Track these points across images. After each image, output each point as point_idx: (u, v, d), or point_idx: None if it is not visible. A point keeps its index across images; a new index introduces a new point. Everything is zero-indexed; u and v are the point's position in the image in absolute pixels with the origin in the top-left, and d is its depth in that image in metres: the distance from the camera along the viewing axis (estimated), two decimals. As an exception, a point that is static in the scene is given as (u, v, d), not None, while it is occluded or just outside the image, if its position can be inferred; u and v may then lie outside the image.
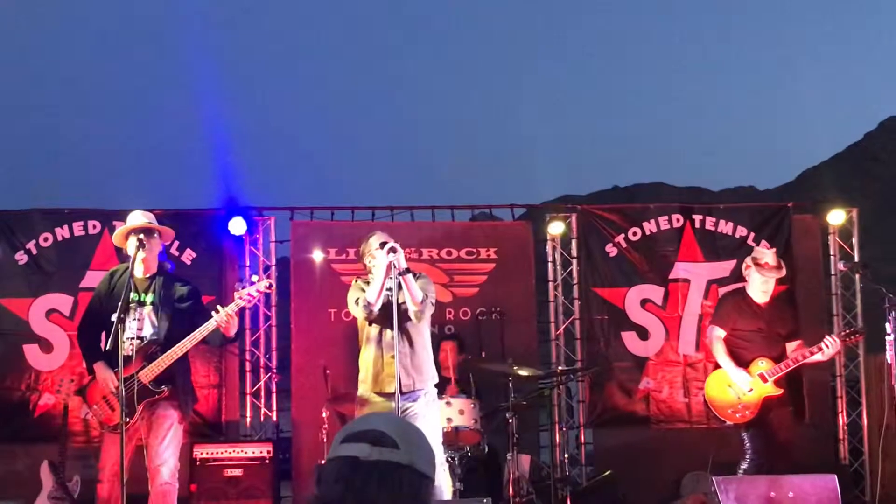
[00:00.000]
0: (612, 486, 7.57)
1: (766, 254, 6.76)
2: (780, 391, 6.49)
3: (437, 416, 5.93)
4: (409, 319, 5.71)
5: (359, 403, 5.87)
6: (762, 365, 6.50)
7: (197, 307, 5.80)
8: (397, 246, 5.62)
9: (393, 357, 5.55)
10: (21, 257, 7.76)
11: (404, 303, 5.65)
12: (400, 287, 5.60)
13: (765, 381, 6.46)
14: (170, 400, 5.59)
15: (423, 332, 5.84)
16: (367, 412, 5.69)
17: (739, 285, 8.25)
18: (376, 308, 5.69)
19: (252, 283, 5.62)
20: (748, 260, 6.75)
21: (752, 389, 6.48)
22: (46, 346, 7.67)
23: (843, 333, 6.65)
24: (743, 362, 6.55)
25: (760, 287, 6.62)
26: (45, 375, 7.64)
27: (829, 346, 6.47)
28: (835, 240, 8.62)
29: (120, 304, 5.27)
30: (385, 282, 5.63)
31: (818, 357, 6.53)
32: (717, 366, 6.66)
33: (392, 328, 5.54)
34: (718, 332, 6.70)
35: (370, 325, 5.83)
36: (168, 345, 5.54)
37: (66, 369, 7.57)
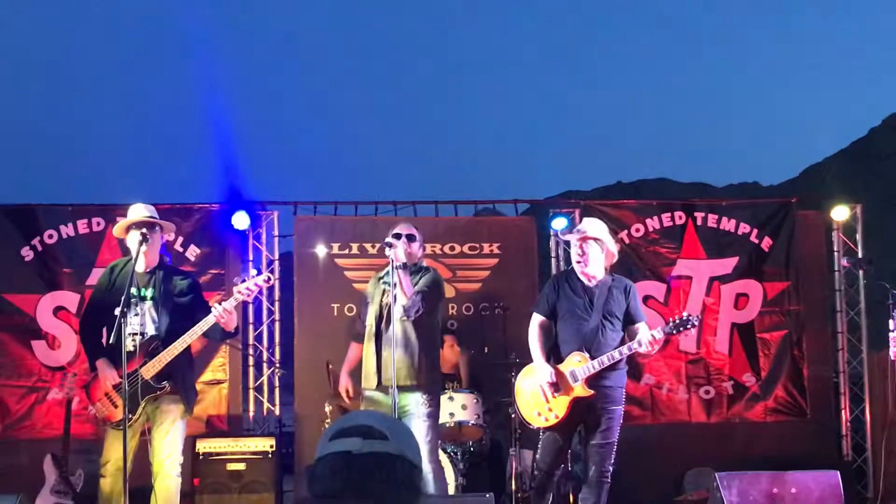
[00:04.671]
0: (616, 483, 7.57)
1: (591, 225, 5.94)
2: (591, 393, 5.64)
3: (434, 415, 5.90)
4: (404, 316, 5.71)
5: (363, 399, 5.93)
6: (576, 361, 5.69)
7: (197, 300, 5.80)
8: (393, 241, 5.66)
9: (389, 353, 5.59)
10: (27, 253, 7.76)
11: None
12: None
13: (575, 379, 5.66)
14: (172, 395, 5.60)
15: (421, 330, 5.82)
16: (369, 409, 5.74)
17: (744, 281, 8.34)
18: (369, 326, 5.91)
19: (251, 277, 5.63)
20: (573, 233, 5.97)
21: (560, 389, 5.69)
22: (53, 343, 7.70)
23: (670, 324, 5.66)
24: (559, 356, 5.81)
25: (576, 252, 5.87)
26: (51, 371, 7.66)
27: (645, 340, 5.61)
28: (839, 236, 8.60)
29: (123, 298, 5.27)
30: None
31: (641, 350, 5.75)
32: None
33: (389, 324, 5.60)
34: (535, 318, 5.94)
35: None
36: (169, 340, 5.54)
37: (73, 365, 7.59)
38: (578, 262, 5.84)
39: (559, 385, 5.67)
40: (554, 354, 5.81)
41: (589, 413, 5.69)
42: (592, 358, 5.63)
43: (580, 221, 8.28)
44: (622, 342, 5.77)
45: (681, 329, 5.69)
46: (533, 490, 5.80)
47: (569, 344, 5.75)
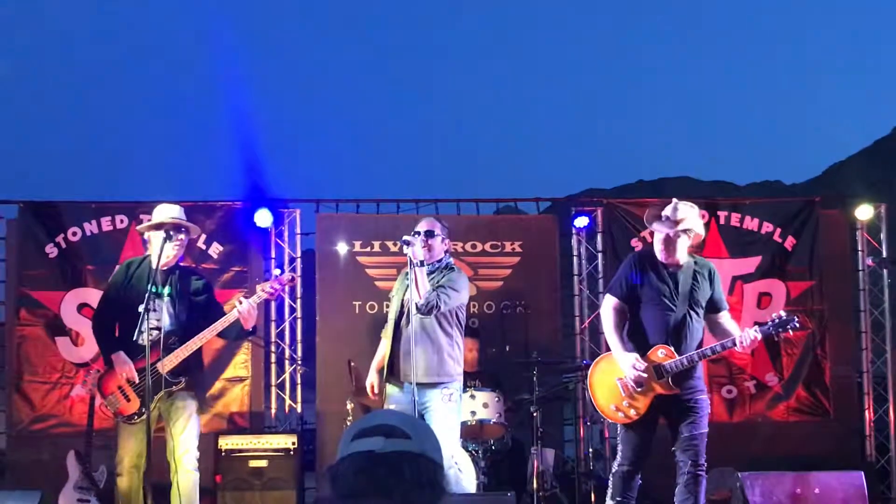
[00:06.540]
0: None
1: (687, 214, 5.31)
2: (676, 391, 5.16)
3: (453, 413, 5.83)
4: (420, 313, 5.71)
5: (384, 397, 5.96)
6: (661, 355, 5.16)
7: (211, 301, 5.87)
8: (411, 238, 5.66)
9: (406, 349, 5.60)
10: (51, 250, 7.82)
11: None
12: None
13: (660, 376, 5.15)
14: (187, 390, 5.64)
15: (438, 328, 5.77)
16: (387, 406, 5.77)
17: (767, 281, 8.28)
18: (389, 321, 5.91)
19: (275, 276, 5.66)
20: (663, 223, 5.34)
21: (643, 385, 5.17)
22: (77, 339, 7.75)
23: (770, 325, 5.12)
24: (641, 346, 5.25)
25: (663, 245, 5.31)
26: (76, 367, 7.72)
27: (747, 340, 5.09)
28: (862, 235, 8.55)
29: (147, 295, 5.31)
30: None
31: (736, 349, 5.27)
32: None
33: (409, 321, 5.62)
34: (609, 301, 5.39)
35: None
36: (185, 336, 5.57)
37: (96, 361, 7.63)
38: (666, 255, 5.30)
39: (642, 380, 5.15)
40: (632, 344, 5.26)
41: (674, 406, 5.22)
42: (678, 352, 5.15)
43: (602, 220, 8.28)
44: (703, 333, 5.33)
45: (780, 330, 5.13)
46: (613, 478, 5.38)
47: (652, 336, 5.22)
